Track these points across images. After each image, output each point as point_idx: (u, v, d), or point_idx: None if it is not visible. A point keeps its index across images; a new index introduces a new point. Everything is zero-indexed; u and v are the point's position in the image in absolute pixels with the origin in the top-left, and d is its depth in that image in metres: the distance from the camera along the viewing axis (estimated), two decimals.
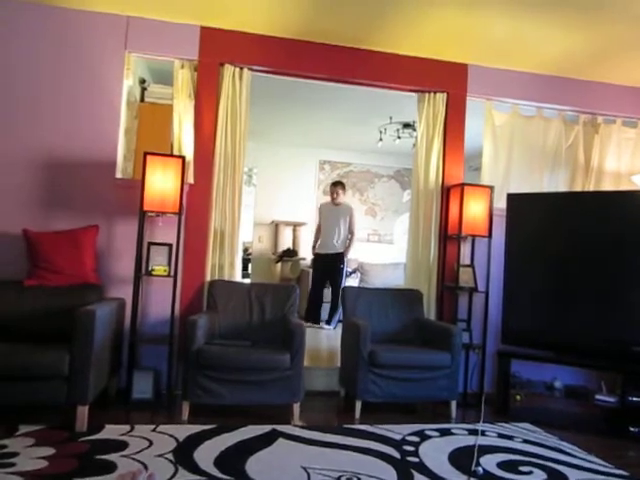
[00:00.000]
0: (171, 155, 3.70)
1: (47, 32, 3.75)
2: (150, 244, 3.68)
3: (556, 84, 4.53)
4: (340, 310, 5.28)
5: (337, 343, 4.23)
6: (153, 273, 3.60)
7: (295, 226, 7.83)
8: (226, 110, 3.98)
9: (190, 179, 3.88)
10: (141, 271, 3.60)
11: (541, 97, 4.53)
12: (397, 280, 7.95)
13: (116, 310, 3.46)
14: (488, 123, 4.50)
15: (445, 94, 4.35)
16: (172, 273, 3.63)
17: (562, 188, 4.60)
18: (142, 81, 4.54)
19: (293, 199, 7.93)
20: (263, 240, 7.93)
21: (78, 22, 3.79)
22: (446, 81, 4.35)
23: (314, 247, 6.31)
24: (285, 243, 7.83)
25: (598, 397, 3.90)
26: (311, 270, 6.50)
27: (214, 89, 3.97)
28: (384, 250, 8.50)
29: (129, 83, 4.05)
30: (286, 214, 7.90)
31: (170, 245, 3.70)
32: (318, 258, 6.24)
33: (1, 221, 3.63)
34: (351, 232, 6.17)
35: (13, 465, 2.41)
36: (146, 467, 2.46)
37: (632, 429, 3.45)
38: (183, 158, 3.60)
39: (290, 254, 7.53)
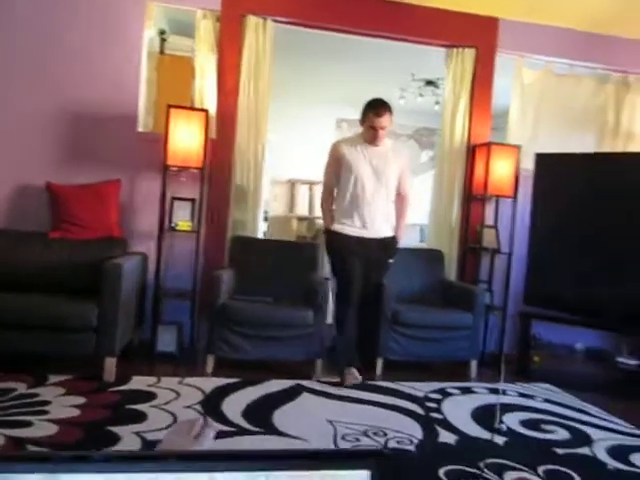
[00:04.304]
0: (195, 108, 3.64)
1: None
2: (173, 199, 3.66)
3: (590, 41, 4.35)
4: None
5: None
6: (177, 228, 3.59)
7: (311, 184, 7.77)
8: (249, 63, 3.87)
9: (212, 134, 3.82)
10: (164, 226, 3.59)
11: (574, 54, 4.36)
12: (413, 241, 7.92)
13: (140, 264, 3.47)
14: (517, 81, 4.37)
15: (474, 50, 4.21)
16: (195, 228, 3.62)
17: (590, 149, 4.48)
18: (161, 32, 4.44)
19: (309, 157, 7.82)
20: (279, 198, 7.88)
21: None
22: (476, 36, 4.19)
23: (328, 218, 3.46)
24: (302, 201, 7.79)
25: (619, 359, 3.90)
26: (329, 260, 3.53)
27: (237, 41, 3.86)
28: None
29: (150, 34, 3.95)
30: (303, 172, 7.82)
31: (193, 200, 3.67)
32: (343, 242, 3.35)
33: (24, 174, 3.61)
34: (403, 194, 3.56)
35: (47, 413, 2.46)
36: (175, 419, 2.52)
37: None
38: (206, 112, 3.53)
39: None
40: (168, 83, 4.18)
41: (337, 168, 3.40)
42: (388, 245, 3.45)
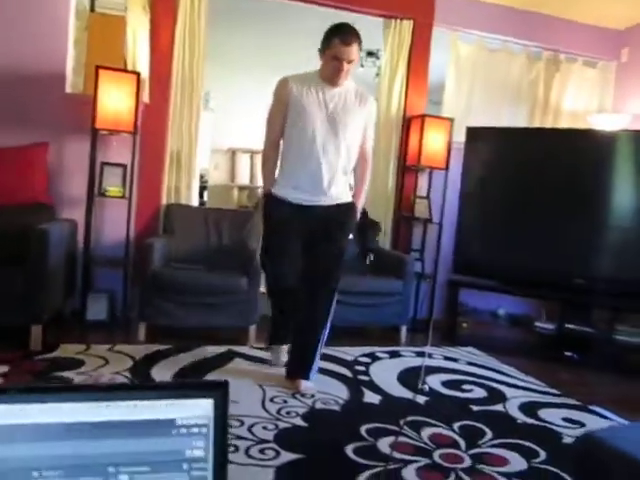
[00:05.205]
0: (126, 70, 3.53)
1: None
2: (103, 164, 3.57)
3: (524, 18, 4.48)
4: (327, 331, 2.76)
5: None
6: (107, 194, 3.51)
7: (253, 154, 7.69)
8: (184, 26, 3.77)
9: (145, 98, 3.72)
10: (94, 192, 3.50)
11: (507, 31, 4.49)
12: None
13: (69, 231, 3.38)
14: (453, 54, 4.45)
15: (412, 21, 4.24)
16: (127, 195, 3.54)
17: (521, 123, 4.65)
18: None
19: (251, 125, 7.71)
20: (220, 167, 7.78)
21: None
22: (413, 8, 4.23)
23: (270, 177, 2.75)
24: (243, 171, 7.71)
25: (538, 324, 4.14)
26: (263, 232, 2.83)
27: (171, 2, 3.74)
28: None
29: None
30: (244, 141, 7.72)
31: (125, 166, 3.59)
32: (284, 212, 2.69)
33: None
34: (363, 154, 2.81)
35: None
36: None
37: (567, 353, 3.70)
38: (138, 74, 3.43)
39: None
40: (99, 43, 4.00)
41: (284, 112, 2.64)
42: (345, 213, 2.73)
